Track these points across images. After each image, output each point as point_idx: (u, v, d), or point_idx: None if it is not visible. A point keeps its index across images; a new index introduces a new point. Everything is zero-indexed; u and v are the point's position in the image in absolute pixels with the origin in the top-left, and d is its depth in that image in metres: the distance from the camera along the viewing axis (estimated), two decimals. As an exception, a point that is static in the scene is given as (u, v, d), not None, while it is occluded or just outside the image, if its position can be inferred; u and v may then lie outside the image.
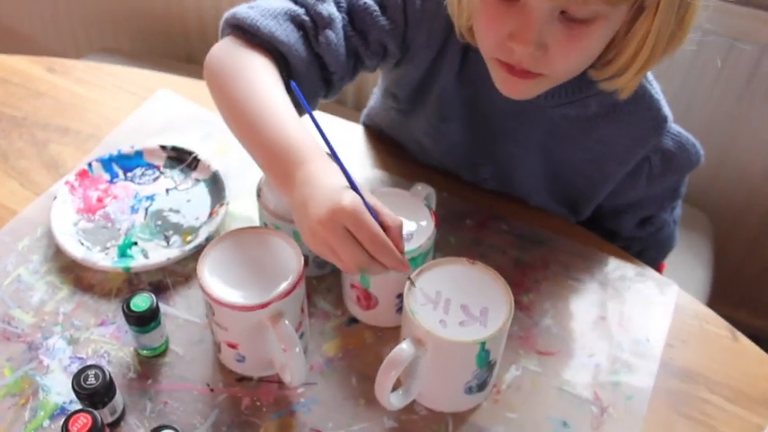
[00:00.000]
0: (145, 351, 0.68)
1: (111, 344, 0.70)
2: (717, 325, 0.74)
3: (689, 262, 1.13)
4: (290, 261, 0.64)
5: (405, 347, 0.59)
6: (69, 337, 0.70)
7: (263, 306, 0.60)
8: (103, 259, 0.75)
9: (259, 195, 0.72)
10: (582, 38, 0.62)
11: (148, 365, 0.68)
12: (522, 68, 0.65)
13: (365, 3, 0.71)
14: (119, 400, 0.63)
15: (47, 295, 0.73)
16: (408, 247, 0.64)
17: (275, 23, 0.68)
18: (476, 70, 0.75)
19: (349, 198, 0.55)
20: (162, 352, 0.69)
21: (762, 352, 0.71)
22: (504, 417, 0.66)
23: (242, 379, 0.67)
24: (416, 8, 0.72)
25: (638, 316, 0.74)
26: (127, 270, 0.74)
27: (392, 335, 0.71)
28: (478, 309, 0.61)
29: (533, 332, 0.72)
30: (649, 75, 0.75)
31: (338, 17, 0.70)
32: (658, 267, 0.91)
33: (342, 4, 0.71)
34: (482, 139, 0.82)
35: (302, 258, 0.63)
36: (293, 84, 0.59)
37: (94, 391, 0.60)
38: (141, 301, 0.65)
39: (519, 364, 0.69)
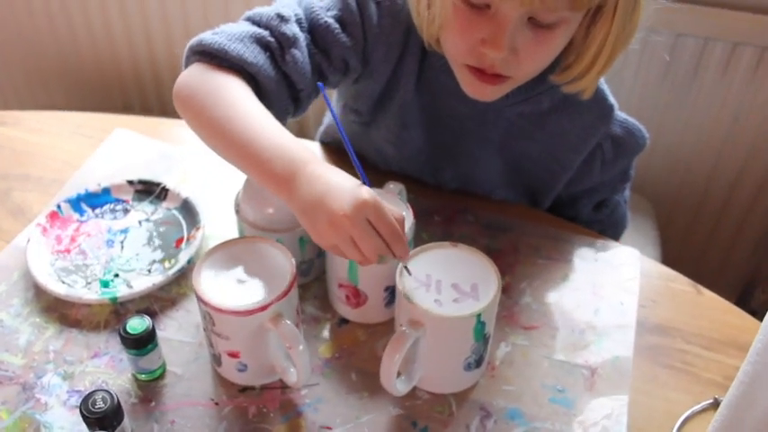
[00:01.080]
0: (143, 375, 0.69)
1: (107, 373, 0.69)
2: (681, 282, 0.79)
3: (638, 243, 1.20)
4: (280, 265, 0.66)
5: (405, 330, 0.62)
6: (63, 372, 0.69)
7: (264, 308, 0.62)
8: (88, 294, 0.75)
9: (237, 211, 0.74)
10: (548, 41, 0.67)
11: (149, 389, 0.68)
12: (493, 72, 0.69)
13: (326, 21, 0.75)
14: (127, 423, 0.63)
15: (33, 336, 0.72)
16: (392, 238, 0.68)
17: (242, 46, 0.71)
18: (433, 78, 0.79)
19: (368, 193, 0.58)
20: (160, 375, 0.69)
21: (725, 301, 0.77)
22: (502, 390, 0.69)
23: (245, 389, 0.68)
24: (373, 24, 0.76)
25: (609, 284, 0.79)
26: (114, 300, 0.74)
27: (383, 330, 0.73)
28: (469, 285, 0.64)
29: (515, 310, 0.76)
30: None
31: (301, 36, 0.73)
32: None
33: (303, 24, 0.75)
34: (443, 143, 0.86)
35: (293, 260, 0.66)
36: (320, 85, 0.63)
37: (104, 415, 0.60)
38: (137, 324, 0.65)
39: (508, 341, 0.73)
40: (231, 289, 0.64)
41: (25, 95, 1.64)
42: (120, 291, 0.75)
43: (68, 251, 0.80)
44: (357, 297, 0.72)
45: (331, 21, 0.75)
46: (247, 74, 0.72)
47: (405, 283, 0.64)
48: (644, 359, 0.71)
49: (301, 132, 1.40)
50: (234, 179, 0.88)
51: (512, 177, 0.89)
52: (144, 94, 1.53)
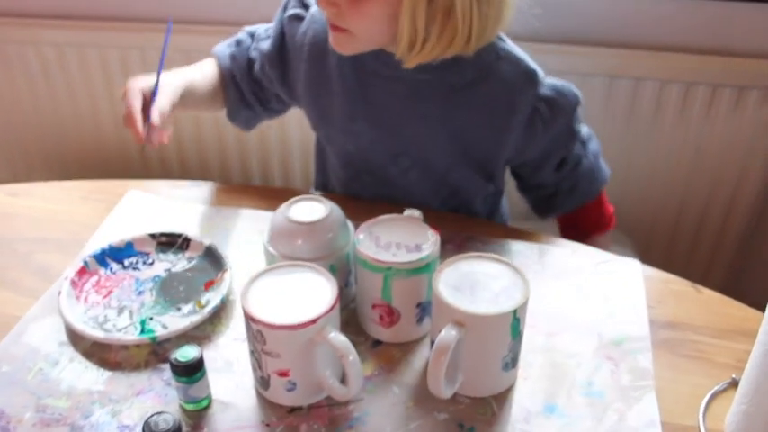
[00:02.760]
0: (191, 405, 0.70)
1: (154, 408, 0.71)
2: (681, 284, 0.86)
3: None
4: (321, 284, 0.70)
5: (449, 331, 0.66)
6: (111, 410, 0.71)
7: (314, 321, 0.65)
8: (126, 335, 0.77)
9: (269, 244, 0.78)
10: (362, 4, 0.82)
11: (198, 418, 0.70)
12: (334, 24, 0.85)
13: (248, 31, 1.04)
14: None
15: (75, 380, 0.74)
16: (422, 254, 0.73)
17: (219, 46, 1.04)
18: (358, 64, 0.92)
19: (134, 82, 0.88)
20: (207, 404, 0.71)
21: (723, 296, 0.84)
22: (536, 389, 0.73)
23: (293, 410, 0.71)
24: (288, 39, 0.98)
25: (617, 290, 0.85)
26: (154, 339, 0.76)
27: (417, 347, 0.77)
28: (499, 288, 0.69)
29: (536, 319, 0.80)
30: (510, 43, 0.93)
31: (247, 40, 1.03)
32: (600, 200, 1.08)
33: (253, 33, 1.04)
34: (390, 126, 0.96)
35: (334, 280, 0.70)
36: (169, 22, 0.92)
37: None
38: (188, 352, 0.68)
39: (534, 346, 0.77)
40: (278, 309, 0.67)
41: (4, 173, 1.66)
42: (158, 331, 0.77)
43: (99, 302, 0.82)
44: (390, 315, 0.76)
45: (262, 32, 1.02)
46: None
47: (441, 289, 0.68)
48: (661, 351, 0.77)
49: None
50: (252, 227, 0.93)
51: (461, 153, 0.97)
52: (125, 169, 1.57)
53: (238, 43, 1.04)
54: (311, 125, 1.05)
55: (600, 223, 1.09)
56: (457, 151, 0.96)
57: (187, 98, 0.94)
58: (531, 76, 0.92)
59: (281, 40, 0.99)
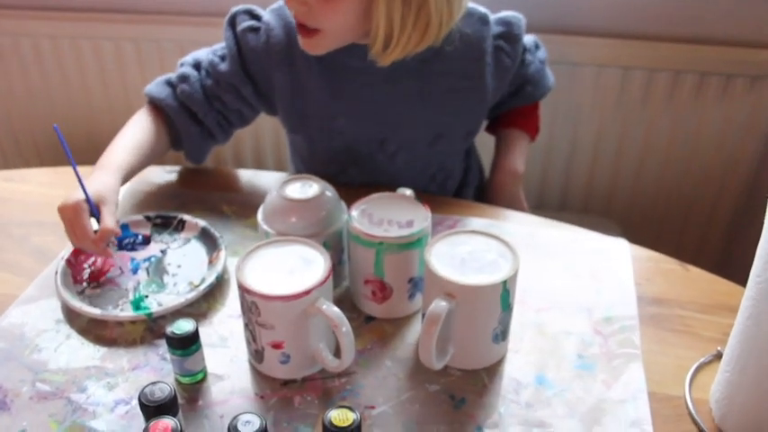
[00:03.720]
0: (186, 378, 0.71)
1: (150, 381, 0.71)
2: (668, 262, 0.87)
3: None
4: (314, 258, 0.71)
5: (439, 302, 0.67)
6: (107, 383, 0.71)
7: (307, 293, 0.66)
8: (122, 312, 0.78)
9: (264, 222, 0.79)
10: (332, 1, 0.83)
11: (193, 391, 0.71)
12: (303, 24, 0.86)
13: (209, 60, 0.98)
14: (180, 418, 0.65)
15: (71, 356, 0.75)
16: (414, 229, 0.74)
17: (155, 87, 0.99)
18: (330, 59, 0.92)
19: (72, 201, 0.80)
20: (202, 378, 0.72)
21: (710, 274, 0.85)
22: (527, 362, 0.74)
23: (286, 383, 0.72)
24: (249, 48, 0.95)
25: (605, 268, 0.86)
26: (150, 315, 0.77)
27: (409, 323, 0.79)
28: (489, 261, 0.70)
29: (525, 296, 0.82)
30: None
31: (193, 73, 0.97)
32: (537, 105, 1.13)
33: (199, 65, 0.99)
34: (372, 116, 0.97)
35: (327, 253, 0.71)
36: (55, 127, 0.83)
37: (163, 403, 0.62)
38: (184, 325, 0.69)
39: (523, 321, 0.79)
40: (272, 281, 0.68)
41: (14, 163, 1.67)
42: (153, 308, 0.78)
43: (96, 279, 0.83)
44: (383, 291, 0.77)
45: (212, 57, 0.98)
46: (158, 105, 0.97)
47: (433, 262, 0.70)
48: (648, 326, 0.78)
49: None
50: (245, 209, 0.94)
51: (446, 121, 0.99)
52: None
53: (184, 79, 0.97)
54: (288, 129, 1.04)
55: (528, 124, 1.13)
56: (441, 121, 0.98)
57: (129, 176, 0.91)
58: (485, 20, 0.96)
59: (240, 55, 0.96)
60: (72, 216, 0.80)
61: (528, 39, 1.06)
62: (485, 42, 0.96)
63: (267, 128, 1.46)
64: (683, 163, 1.35)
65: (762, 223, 0.60)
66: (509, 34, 0.99)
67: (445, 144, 1.02)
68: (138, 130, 0.95)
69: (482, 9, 0.97)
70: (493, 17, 0.99)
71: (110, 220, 0.80)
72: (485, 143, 1.16)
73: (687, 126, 1.31)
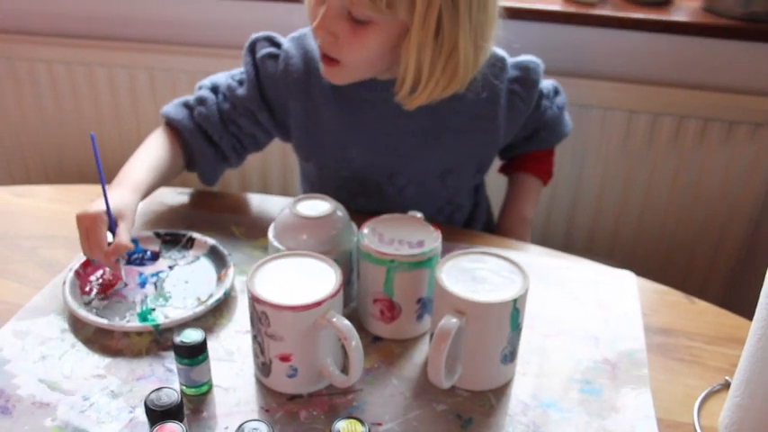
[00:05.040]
0: (192, 389, 0.70)
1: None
2: (675, 295, 0.88)
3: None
4: (326, 272, 0.71)
5: (449, 318, 0.67)
6: (111, 392, 0.71)
7: (318, 304, 0.67)
8: (129, 323, 0.77)
9: (275, 239, 0.80)
10: (360, 35, 0.84)
11: (198, 402, 0.70)
12: (327, 54, 0.87)
13: (228, 84, 1.00)
14: (186, 424, 0.64)
15: (76, 365, 0.74)
16: (425, 248, 0.75)
17: (172, 108, 1.00)
18: (346, 90, 0.94)
19: (95, 210, 0.80)
20: (208, 389, 0.71)
21: (715, 307, 0.85)
22: (535, 384, 0.73)
23: (293, 398, 0.71)
24: (268, 73, 0.97)
25: (612, 299, 0.86)
26: (157, 327, 0.77)
27: (417, 344, 0.78)
28: (499, 280, 0.71)
29: (533, 322, 0.82)
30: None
31: (210, 97, 0.99)
32: (552, 151, 1.14)
33: (217, 89, 1.00)
34: (384, 149, 0.98)
35: (338, 267, 0.71)
36: (92, 135, 0.83)
37: (168, 408, 0.62)
38: (192, 334, 0.69)
39: (530, 344, 0.78)
40: (283, 292, 0.68)
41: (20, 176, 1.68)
42: (160, 320, 0.78)
43: (103, 291, 0.83)
44: (392, 310, 0.77)
45: (231, 81, 1.00)
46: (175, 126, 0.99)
47: (444, 278, 0.70)
48: (656, 355, 0.78)
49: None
50: (253, 230, 0.95)
51: (457, 158, 1.00)
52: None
53: (202, 102, 0.99)
54: (301, 156, 1.05)
55: (541, 169, 1.14)
56: (452, 157, 0.99)
57: (146, 195, 0.91)
58: (501, 63, 0.98)
59: (258, 81, 0.98)
60: (90, 225, 0.80)
61: (547, 84, 1.07)
62: (500, 85, 0.97)
63: (274, 154, 1.47)
64: (687, 207, 1.37)
65: (765, 268, 0.61)
66: (525, 79, 1.00)
67: (455, 179, 1.03)
68: (155, 150, 0.96)
69: (500, 52, 0.99)
70: (510, 61, 1.00)
71: (125, 236, 0.81)
72: (497, 185, 1.17)
73: (691, 170, 1.33)
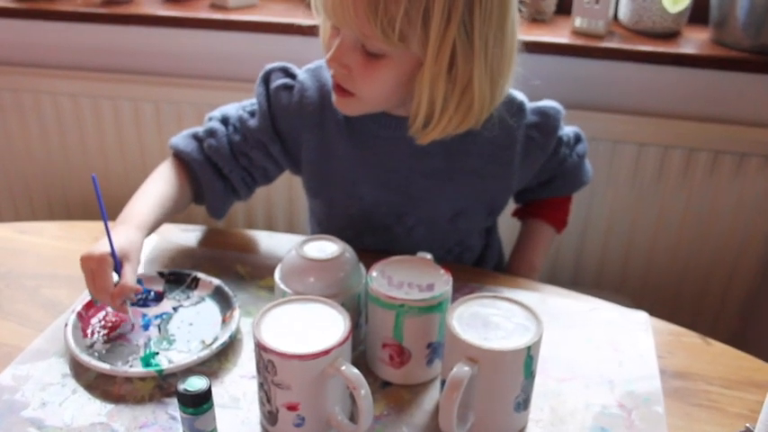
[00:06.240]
0: (196, 439, 0.69)
1: (158, 441, 0.69)
2: (690, 336, 0.86)
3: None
4: (333, 318, 0.69)
5: (462, 367, 0.65)
6: (113, 441, 0.69)
7: (326, 353, 0.65)
8: (132, 368, 0.76)
9: (281, 281, 0.78)
10: (374, 68, 0.83)
11: (203, 452, 0.68)
12: (340, 85, 0.86)
13: (239, 115, 0.99)
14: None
15: (76, 412, 0.72)
16: (435, 293, 0.73)
17: (181, 140, 0.99)
18: (362, 127, 0.93)
19: (99, 252, 0.79)
20: (212, 439, 0.70)
21: (733, 349, 0.83)
22: (548, 433, 0.71)
23: (299, 447, 0.69)
24: (282, 105, 0.96)
25: (626, 341, 0.84)
26: (160, 372, 0.75)
27: (427, 389, 0.76)
28: (512, 326, 0.69)
29: (546, 366, 0.80)
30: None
31: (221, 128, 0.97)
32: (569, 199, 1.12)
33: (228, 120, 0.99)
34: (395, 188, 0.96)
35: (346, 313, 0.69)
36: (93, 176, 0.82)
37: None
38: (197, 382, 0.67)
39: (543, 389, 0.76)
40: (290, 340, 0.66)
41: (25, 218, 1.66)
42: (164, 365, 0.76)
43: (106, 335, 0.81)
44: (401, 356, 0.75)
45: (242, 113, 0.99)
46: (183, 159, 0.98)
47: (455, 325, 0.68)
48: (673, 400, 0.76)
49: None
50: (258, 270, 0.93)
51: (469, 201, 0.98)
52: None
53: (212, 133, 0.97)
54: (309, 191, 1.03)
55: (556, 217, 1.12)
56: (464, 200, 0.97)
57: (151, 232, 0.89)
58: (519, 108, 0.96)
59: (271, 112, 0.97)
60: (96, 268, 0.78)
61: (569, 131, 1.05)
62: (518, 130, 0.95)
63: (279, 190, 1.46)
64: (697, 240, 1.35)
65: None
66: (544, 126, 0.97)
67: (466, 222, 1.00)
68: (162, 184, 0.94)
69: (520, 96, 0.97)
70: (530, 106, 0.97)
71: (131, 278, 0.79)
72: (510, 227, 1.15)
73: (701, 204, 1.31)
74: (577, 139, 1.07)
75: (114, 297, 0.78)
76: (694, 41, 1.30)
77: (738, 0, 1.22)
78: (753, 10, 1.21)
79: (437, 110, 0.84)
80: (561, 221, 1.12)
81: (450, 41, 0.79)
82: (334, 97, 0.89)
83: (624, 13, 1.34)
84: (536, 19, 1.36)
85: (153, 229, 0.90)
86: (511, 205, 1.13)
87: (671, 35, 1.30)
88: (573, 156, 1.05)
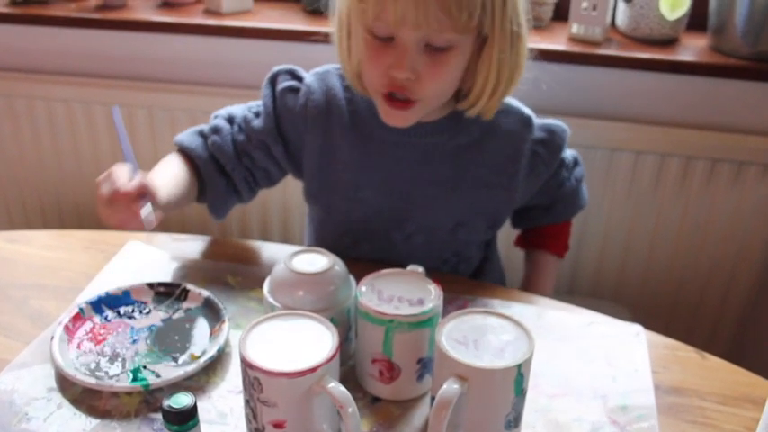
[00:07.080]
0: (182, 457, 0.68)
1: (143, 458, 0.68)
2: (686, 350, 0.84)
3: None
4: (321, 334, 0.68)
5: (451, 385, 0.64)
6: (97, 459, 0.68)
7: (313, 370, 0.64)
8: (118, 383, 0.75)
9: (270, 295, 0.77)
10: (443, 62, 0.82)
11: (188, 470, 0.67)
12: (403, 97, 0.83)
13: (244, 115, 0.99)
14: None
15: (62, 427, 0.71)
16: (425, 308, 0.72)
17: (186, 136, 0.99)
18: (367, 132, 0.93)
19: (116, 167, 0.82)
20: (198, 456, 0.68)
21: (729, 363, 0.82)
22: (540, 452, 0.70)
23: (286, 465, 0.68)
24: (287, 107, 0.96)
25: (621, 356, 0.83)
26: (146, 387, 0.74)
27: (416, 405, 0.75)
28: (502, 343, 0.68)
29: (538, 381, 0.79)
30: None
31: (225, 127, 0.97)
32: (568, 224, 1.12)
33: (233, 119, 0.99)
34: (398, 194, 0.95)
35: (335, 329, 0.68)
36: (114, 109, 0.88)
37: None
38: (181, 399, 0.66)
39: (535, 406, 0.75)
40: (276, 356, 0.65)
41: (19, 225, 1.66)
42: (151, 380, 0.75)
43: (92, 349, 0.80)
44: (390, 371, 0.74)
45: (247, 113, 0.99)
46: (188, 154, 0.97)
47: (444, 342, 0.67)
48: (667, 417, 0.75)
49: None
50: (250, 281, 0.92)
51: (471, 211, 0.97)
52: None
53: (216, 131, 0.97)
54: (309, 196, 1.02)
55: (558, 245, 1.12)
56: (467, 211, 0.96)
57: (167, 206, 0.88)
58: (527, 122, 0.96)
59: (276, 113, 0.96)
60: (114, 170, 0.81)
61: (569, 154, 1.05)
62: (524, 144, 0.95)
63: (274, 199, 1.45)
64: (695, 249, 1.34)
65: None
66: (550, 142, 0.98)
67: (465, 233, 1.00)
68: (174, 167, 0.95)
69: (527, 111, 0.97)
70: (537, 122, 0.98)
71: (146, 179, 0.82)
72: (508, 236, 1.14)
73: (698, 212, 1.30)
74: (575, 162, 1.07)
75: (128, 191, 0.79)
76: (692, 49, 1.29)
77: (737, 7, 1.20)
78: (751, 17, 1.20)
79: (502, 82, 0.86)
80: (564, 248, 1.13)
81: (508, 15, 0.82)
82: (385, 113, 0.87)
83: (622, 19, 1.33)
84: (533, 25, 1.35)
85: (168, 199, 0.87)
86: (513, 236, 1.13)
87: (669, 42, 1.29)
88: (571, 180, 1.05)
